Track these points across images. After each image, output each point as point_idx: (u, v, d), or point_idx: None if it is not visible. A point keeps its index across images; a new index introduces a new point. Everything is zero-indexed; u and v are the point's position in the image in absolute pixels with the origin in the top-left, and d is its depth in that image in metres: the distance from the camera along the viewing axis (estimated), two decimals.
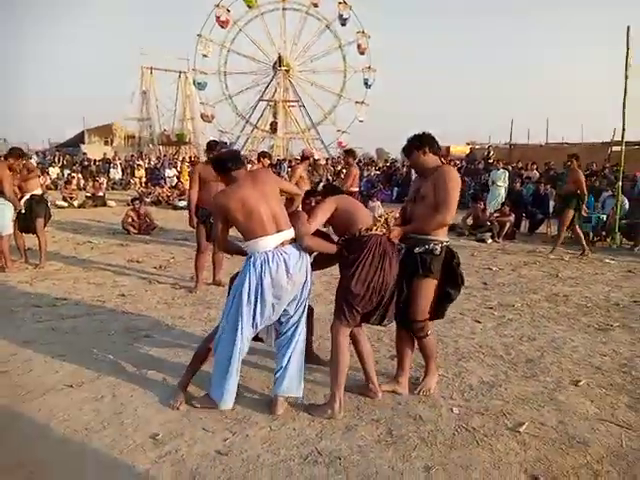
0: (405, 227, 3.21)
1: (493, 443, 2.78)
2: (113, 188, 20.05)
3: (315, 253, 3.25)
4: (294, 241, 3.01)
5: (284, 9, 33.91)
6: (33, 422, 2.90)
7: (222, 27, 32.81)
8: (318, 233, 3.17)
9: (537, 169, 15.02)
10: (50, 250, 7.47)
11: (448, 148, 18.23)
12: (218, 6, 32.06)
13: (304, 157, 8.90)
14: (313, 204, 3.28)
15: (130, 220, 9.71)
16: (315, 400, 3.22)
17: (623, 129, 8.97)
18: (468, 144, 19.49)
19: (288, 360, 3.06)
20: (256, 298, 2.90)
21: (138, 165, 22.27)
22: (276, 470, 2.50)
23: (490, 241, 9.74)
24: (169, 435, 2.78)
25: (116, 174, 21.75)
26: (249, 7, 33.07)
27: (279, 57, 33.89)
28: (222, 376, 2.96)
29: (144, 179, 20.86)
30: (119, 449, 2.64)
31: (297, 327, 3.10)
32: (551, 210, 11.00)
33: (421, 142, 3.28)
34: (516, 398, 3.31)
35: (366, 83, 33.64)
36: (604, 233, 9.89)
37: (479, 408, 3.17)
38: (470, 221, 10.55)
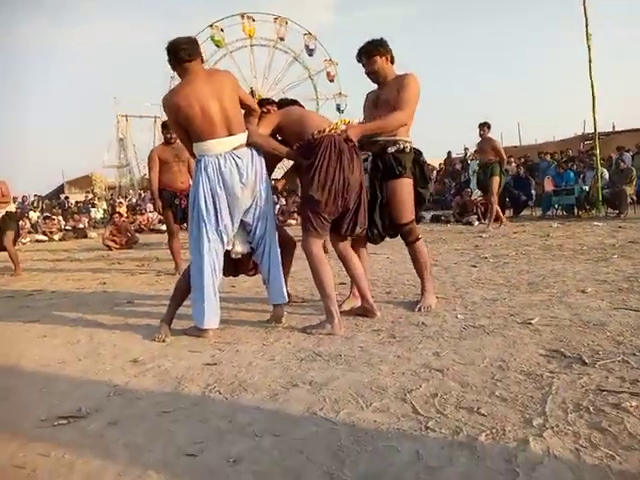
0: (365, 125, 3.03)
1: (504, 332, 2.56)
2: (94, 227, 19.71)
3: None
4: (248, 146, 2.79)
5: (252, 45, 34.52)
6: None
7: None
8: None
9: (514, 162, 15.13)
10: (26, 265, 7.15)
11: None
12: None
13: None
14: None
15: (110, 236, 9.43)
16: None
17: (593, 97, 9.04)
18: (449, 153, 19.58)
19: (268, 273, 2.91)
20: (214, 205, 2.70)
21: (119, 203, 21.99)
22: (270, 369, 2.25)
23: (477, 223, 9.64)
24: (151, 358, 2.52)
25: (97, 213, 21.42)
26: (217, 47, 33.43)
27: (251, 90, 34.30)
28: (200, 294, 2.74)
29: (125, 216, 20.56)
30: (95, 372, 2.37)
31: (264, 240, 2.90)
32: (532, 193, 11.01)
33: (385, 48, 3.13)
34: (523, 305, 3.10)
35: (338, 108, 34.00)
36: (588, 206, 9.86)
37: (485, 313, 2.96)
38: (457, 210, 10.50)
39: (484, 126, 8.27)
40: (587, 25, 8.77)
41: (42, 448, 1.57)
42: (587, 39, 8.84)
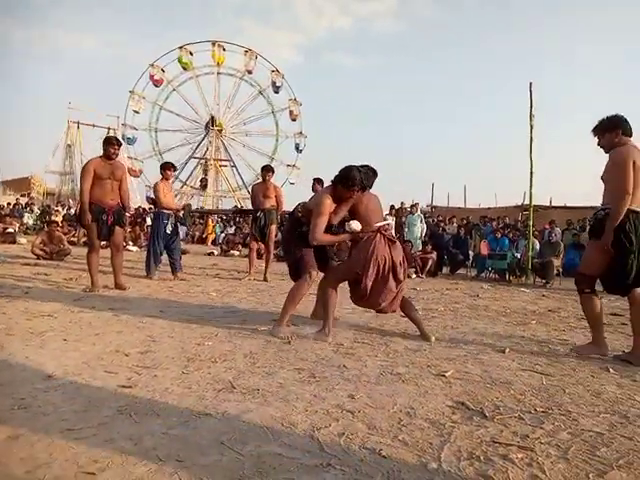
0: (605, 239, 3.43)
1: (418, 382, 2.68)
2: (26, 233, 18.75)
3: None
4: None
5: (219, 73, 35.05)
6: None
7: (156, 86, 33.17)
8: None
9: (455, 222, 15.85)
10: None
11: None
12: (153, 65, 32.56)
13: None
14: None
15: (41, 245, 9.03)
16: None
17: (531, 173, 9.71)
18: (392, 207, 20.27)
19: None
20: None
21: (55, 211, 21.10)
22: (185, 396, 2.25)
23: (414, 276, 9.97)
24: (65, 374, 2.45)
25: (30, 219, 20.42)
26: (184, 69, 33.86)
27: (212, 117, 34.53)
28: None
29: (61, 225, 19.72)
30: (1, 383, 2.27)
31: None
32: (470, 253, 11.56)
33: (608, 125, 3.44)
34: (440, 357, 3.25)
35: (297, 148, 34.79)
36: (518, 272, 10.43)
37: (404, 362, 3.08)
38: None
39: (268, 170, 7.74)
40: (531, 107, 9.52)
41: None
42: (530, 119, 9.57)
